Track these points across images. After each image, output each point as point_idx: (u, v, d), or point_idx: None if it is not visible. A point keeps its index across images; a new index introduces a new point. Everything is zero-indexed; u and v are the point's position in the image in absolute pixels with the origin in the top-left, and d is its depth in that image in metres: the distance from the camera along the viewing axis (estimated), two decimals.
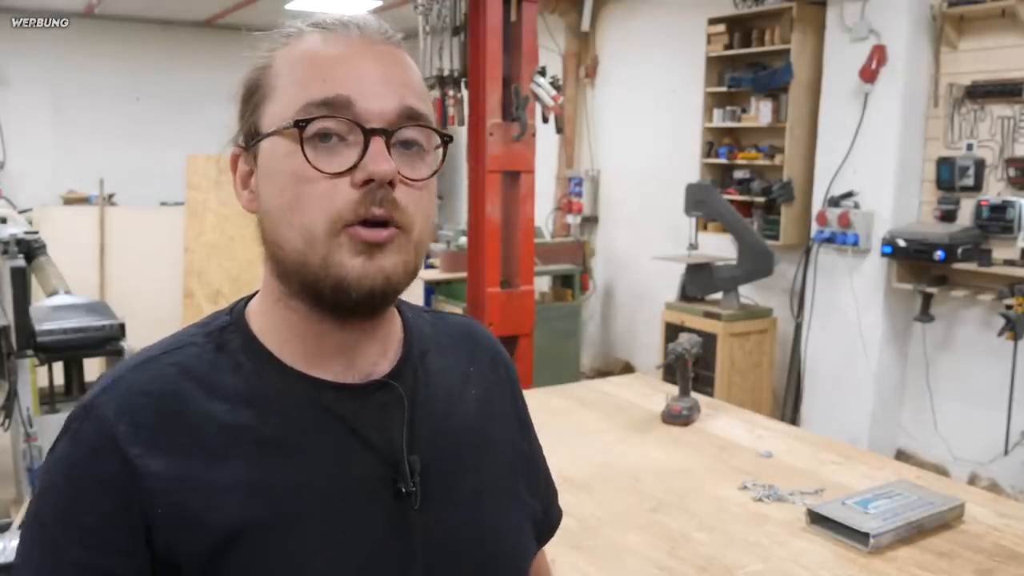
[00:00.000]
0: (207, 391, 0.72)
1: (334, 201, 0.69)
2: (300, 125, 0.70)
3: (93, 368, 3.49)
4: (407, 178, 0.72)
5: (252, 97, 0.75)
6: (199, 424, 0.71)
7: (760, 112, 4.72)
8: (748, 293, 4.72)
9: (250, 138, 0.75)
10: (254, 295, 0.80)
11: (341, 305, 0.72)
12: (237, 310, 0.79)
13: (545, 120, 3.45)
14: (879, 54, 4.08)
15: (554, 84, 3.39)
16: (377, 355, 0.78)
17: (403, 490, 0.74)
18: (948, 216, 3.99)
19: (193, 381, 0.72)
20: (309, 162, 0.70)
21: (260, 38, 0.77)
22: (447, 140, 0.76)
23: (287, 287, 0.74)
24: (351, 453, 0.74)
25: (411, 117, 0.73)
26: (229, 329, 0.77)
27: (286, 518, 0.70)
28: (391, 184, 0.70)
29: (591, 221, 6.42)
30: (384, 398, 0.77)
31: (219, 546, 0.68)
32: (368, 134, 0.70)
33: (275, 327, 0.76)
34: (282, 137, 0.71)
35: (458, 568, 0.78)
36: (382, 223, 0.70)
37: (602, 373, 5.91)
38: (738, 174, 5.02)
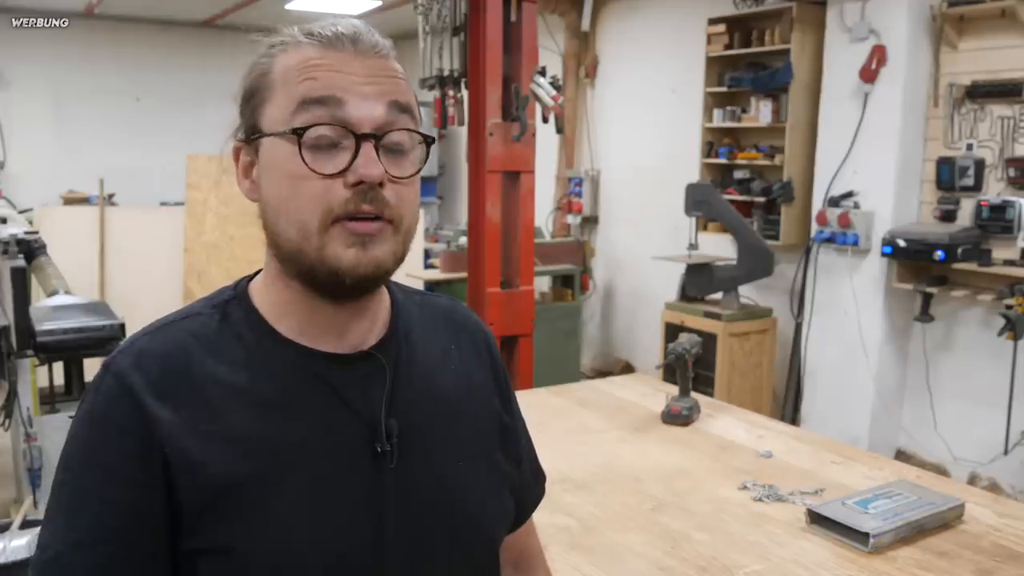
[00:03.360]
0: (212, 355, 0.81)
1: (328, 198, 0.77)
2: (299, 132, 0.77)
3: (93, 368, 3.48)
4: (395, 176, 0.79)
5: (252, 99, 0.82)
6: (204, 383, 0.79)
7: (760, 112, 4.72)
8: (748, 293, 4.72)
9: (251, 133, 0.83)
10: (257, 273, 0.88)
11: (335, 290, 0.80)
12: (240, 286, 0.87)
13: (545, 120, 3.45)
14: (879, 54, 4.08)
15: (554, 84, 3.39)
16: (366, 330, 0.86)
17: (379, 449, 0.82)
18: (948, 216, 3.99)
19: (200, 346, 0.81)
20: (307, 165, 0.77)
21: (257, 42, 0.83)
22: (430, 141, 0.84)
23: (285, 268, 0.82)
24: (336, 415, 0.82)
25: (401, 111, 0.80)
26: (233, 303, 0.85)
27: (277, 472, 0.78)
28: (380, 184, 0.78)
29: (591, 221, 6.42)
30: (369, 367, 0.85)
31: (216, 493, 0.76)
32: (359, 139, 0.78)
33: (274, 302, 0.84)
34: (281, 139, 0.79)
35: (427, 525, 0.85)
36: (372, 217, 0.78)
37: (602, 373, 5.91)
38: (738, 174, 5.02)
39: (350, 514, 0.80)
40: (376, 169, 0.77)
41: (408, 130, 0.81)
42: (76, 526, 0.75)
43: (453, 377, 0.93)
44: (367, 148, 0.77)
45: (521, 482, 1.00)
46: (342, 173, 0.77)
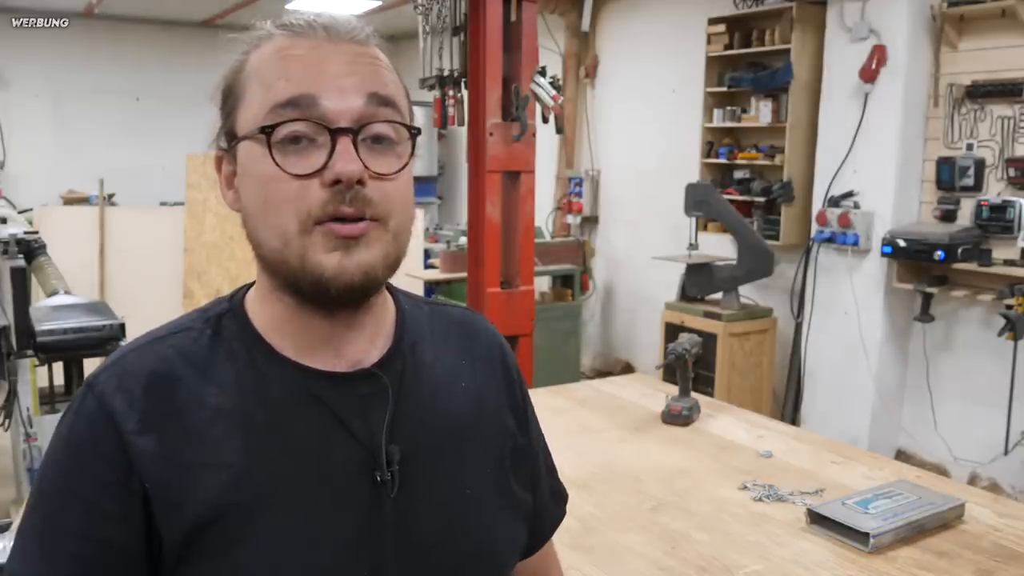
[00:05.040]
0: (201, 375, 0.75)
1: (304, 201, 0.71)
2: (266, 131, 0.72)
3: (93, 368, 3.48)
4: (378, 173, 0.73)
5: (227, 101, 0.77)
6: (190, 406, 0.73)
7: (760, 112, 4.72)
8: (748, 293, 4.72)
9: (229, 140, 0.77)
10: (255, 283, 0.82)
11: (321, 300, 0.74)
12: (237, 298, 0.82)
13: (545, 120, 3.45)
14: (879, 54, 4.08)
15: (554, 84, 3.39)
16: (366, 344, 0.80)
17: (379, 478, 0.76)
18: (948, 216, 3.99)
19: (189, 365, 0.75)
20: (278, 165, 0.71)
21: (235, 40, 0.78)
22: (415, 133, 0.77)
23: (273, 281, 0.77)
24: (333, 440, 0.76)
25: (382, 105, 0.74)
26: (227, 316, 0.80)
27: (266, 501, 0.72)
28: (360, 182, 0.71)
29: (591, 221, 6.42)
30: (369, 387, 0.78)
31: (200, 525, 0.70)
32: (334, 134, 0.71)
33: (268, 317, 0.79)
34: (254, 142, 0.73)
35: (431, 554, 0.79)
36: (356, 218, 0.72)
37: (602, 373, 5.91)
38: (738, 174, 5.02)
39: (345, 548, 0.74)
40: (354, 165, 0.70)
41: (389, 122, 0.74)
42: (48, 556, 0.70)
43: (463, 395, 0.86)
44: (344, 143, 0.71)
45: (538, 505, 0.94)
46: (318, 173, 0.71)
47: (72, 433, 0.73)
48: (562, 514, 1.02)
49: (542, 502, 0.95)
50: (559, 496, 1.01)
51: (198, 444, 0.72)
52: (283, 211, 0.72)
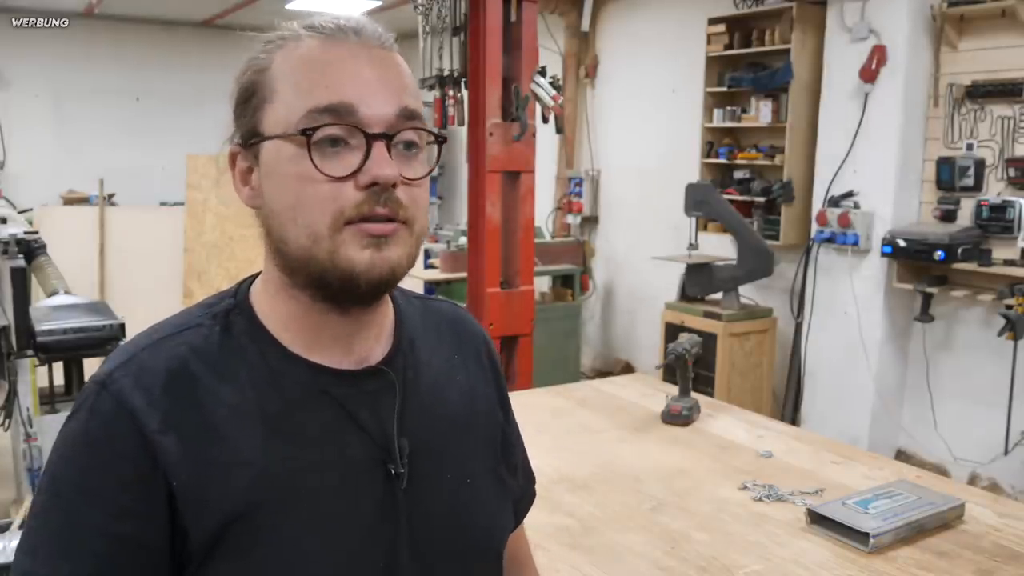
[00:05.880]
0: (216, 373, 0.76)
1: (338, 201, 0.73)
2: (307, 133, 0.73)
3: (93, 368, 3.48)
4: (408, 178, 0.76)
5: (251, 98, 0.78)
6: (208, 405, 0.74)
7: (760, 112, 4.72)
8: (748, 293, 4.72)
9: (250, 137, 0.78)
10: (256, 276, 0.83)
11: (348, 295, 0.76)
12: (241, 292, 0.82)
13: (545, 120, 3.45)
14: (879, 54, 4.08)
15: (554, 84, 3.39)
16: (372, 341, 0.83)
17: (393, 471, 0.79)
18: (948, 216, 3.99)
19: (203, 363, 0.76)
20: (316, 167, 0.73)
21: (255, 39, 0.79)
22: (441, 140, 0.81)
23: (291, 279, 0.78)
24: (347, 435, 0.78)
25: (409, 119, 0.77)
26: (234, 312, 0.80)
27: (286, 497, 0.74)
28: (394, 186, 0.74)
29: (591, 221, 6.42)
30: (377, 384, 0.81)
31: (225, 523, 0.72)
32: (371, 139, 0.74)
33: (278, 313, 0.80)
34: (287, 141, 0.75)
35: (439, 545, 0.83)
36: (387, 219, 0.75)
37: (602, 373, 5.91)
38: (738, 174, 5.02)
39: (363, 539, 0.77)
40: (390, 169, 0.73)
41: (421, 129, 0.78)
42: (69, 555, 0.70)
43: (458, 389, 0.90)
44: (379, 148, 0.74)
45: (519, 488, 0.99)
46: (353, 175, 0.73)
47: (87, 432, 0.72)
48: (534, 495, 1.06)
49: (520, 485, 1.00)
50: (531, 478, 1.05)
51: (219, 442, 0.73)
52: (316, 210, 0.73)
